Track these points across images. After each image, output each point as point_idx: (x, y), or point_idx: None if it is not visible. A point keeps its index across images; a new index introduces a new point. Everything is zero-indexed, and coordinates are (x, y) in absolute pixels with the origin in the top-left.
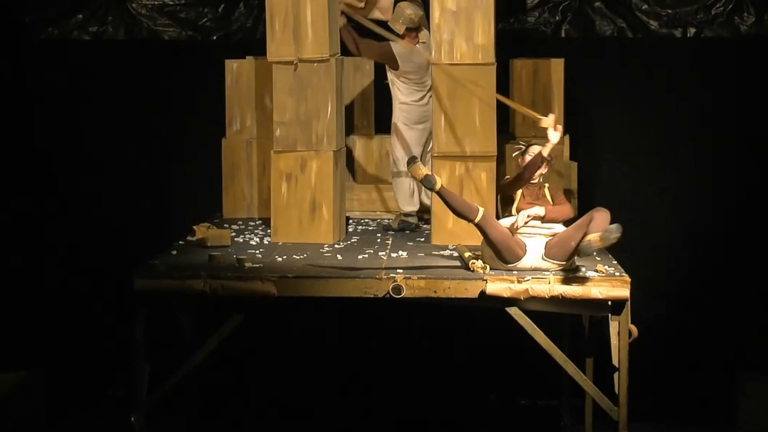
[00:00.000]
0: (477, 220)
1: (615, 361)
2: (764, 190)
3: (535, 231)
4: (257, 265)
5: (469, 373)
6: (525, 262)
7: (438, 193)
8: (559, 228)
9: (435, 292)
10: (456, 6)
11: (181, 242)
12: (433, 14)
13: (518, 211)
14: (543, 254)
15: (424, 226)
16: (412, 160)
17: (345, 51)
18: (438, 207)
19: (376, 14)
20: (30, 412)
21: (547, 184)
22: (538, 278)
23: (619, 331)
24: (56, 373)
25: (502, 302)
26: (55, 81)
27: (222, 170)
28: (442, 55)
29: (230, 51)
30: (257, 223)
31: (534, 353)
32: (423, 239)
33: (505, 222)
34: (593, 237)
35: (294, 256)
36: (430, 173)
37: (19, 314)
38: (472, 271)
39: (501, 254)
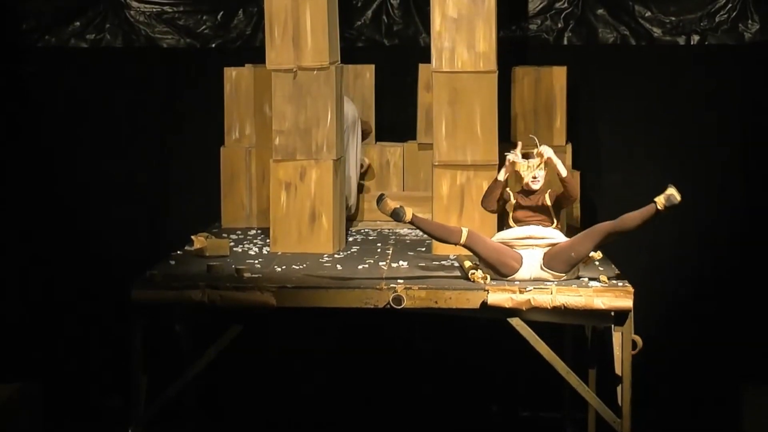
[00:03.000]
0: (462, 241)
1: (618, 373)
2: None
3: (533, 242)
4: (256, 276)
5: (470, 384)
6: (522, 274)
7: (411, 223)
8: (559, 238)
9: (436, 302)
10: (457, 13)
11: (179, 252)
12: (434, 21)
13: (516, 221)
14: (542, 264)
15: None
16: (380, 198)
17: (342, 60)
18: (439, 215)
19: None
20: (26, 425)
21: (549, 190)
22: (540, 288)
23: (622, 342)
24: (52, 384)
25: (503, 313)
26: (52, 89)
27: (221, 179)
28: (443, 62)
29: (229, 58)
30: (256, 232)
31: (536, 364)
32: (424, 249)
33: (503, 235)
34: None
35: (293, 266)
36: (398, 206)
37: (15, 325)
38: (472, 281)
39: (495, 269)
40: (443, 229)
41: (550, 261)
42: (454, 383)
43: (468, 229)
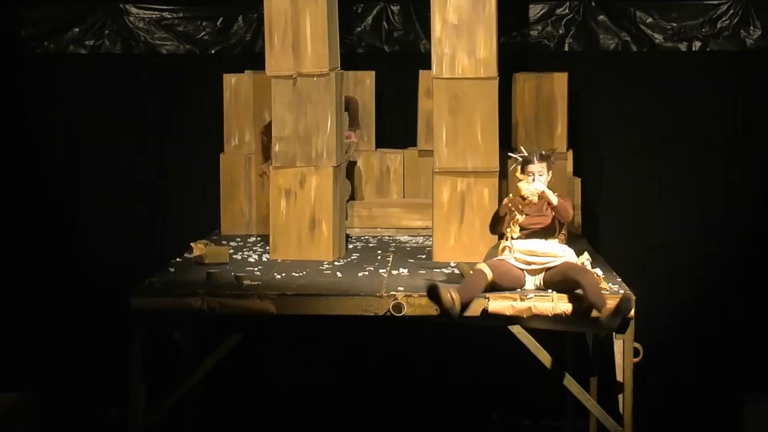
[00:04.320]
0: (491, 279)
1: (620, 381)
2: None
3: (536, 259)
4: (256, 283)
5: (471, 393)
6: (526, 286)
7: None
8: (560, 253)
9: (436, 310)
10: (458, 19)
11: (178, 259)
12: (434, 27)
13: (520, 229)
14: (542, 283)
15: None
16: (433, 291)
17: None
18: (439, 223)
19: None
20: None
21: (557, 193)
22: (541, 296)
23: (623, 350)
24: (51, 394)
25: (504, 320)
26: (51, 95)
27: (220, 186)
28: (443, 69)
29: (229, 65)
30: (256, 240)
31: (537, 372)
32: (424, 256)
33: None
34: (605, 312)
35: (293, 274)
36: (452, 305)
37: (13, 334)
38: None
39: (505, 289)
40: (475, 286)
41: (548, 282)
42: (455, 392)
43: (484, 264)
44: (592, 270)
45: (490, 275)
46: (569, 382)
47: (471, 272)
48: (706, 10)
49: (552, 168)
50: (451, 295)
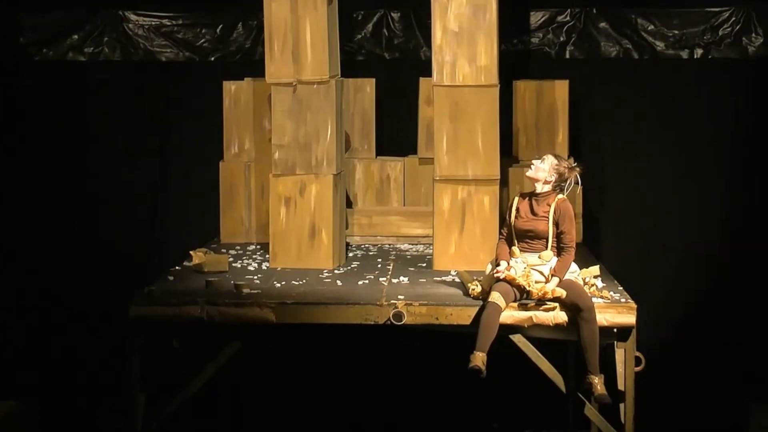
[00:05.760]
0: (504, 308)
1: (621, 389)
2: None
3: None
4: (255, 291)
5: (472, 401)
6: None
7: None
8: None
9: (437, 318)
10: (458, 26)
11: (177, 268)
12: (434, 35)
13: (516, 229)
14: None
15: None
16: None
17: (342, 73)
18: (440, 231)
19: None
20: None
21: (558, 197)
22: (543, 305)
23: (625, 359)
24: (49, 402)
25: (505, 329)
26: (50, 102)
27: (219, 194)
28: (444, 76)
29: (228, 72)
30: (255, 248)
31: (538, 381)
32: (425, 265)
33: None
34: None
35: (293, 282)
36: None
37: (12, 342)
38: (473, 297)
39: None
40: (492, 327)
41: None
42: (456, 400)
43: (495, 294)
44: (593, 281)
45: (504, 304)
46: (570, 391)
47: (485, 310)
48: (708, 18)
49: (561, 174)
50: (479, 358)
